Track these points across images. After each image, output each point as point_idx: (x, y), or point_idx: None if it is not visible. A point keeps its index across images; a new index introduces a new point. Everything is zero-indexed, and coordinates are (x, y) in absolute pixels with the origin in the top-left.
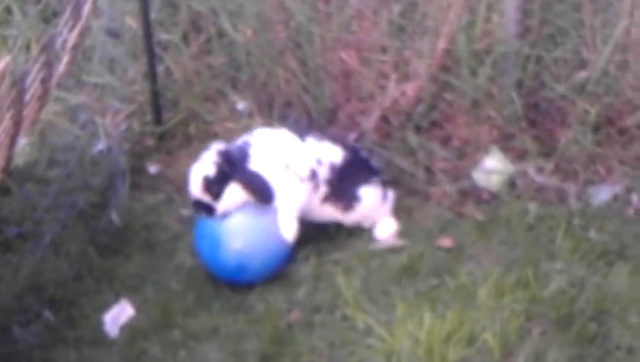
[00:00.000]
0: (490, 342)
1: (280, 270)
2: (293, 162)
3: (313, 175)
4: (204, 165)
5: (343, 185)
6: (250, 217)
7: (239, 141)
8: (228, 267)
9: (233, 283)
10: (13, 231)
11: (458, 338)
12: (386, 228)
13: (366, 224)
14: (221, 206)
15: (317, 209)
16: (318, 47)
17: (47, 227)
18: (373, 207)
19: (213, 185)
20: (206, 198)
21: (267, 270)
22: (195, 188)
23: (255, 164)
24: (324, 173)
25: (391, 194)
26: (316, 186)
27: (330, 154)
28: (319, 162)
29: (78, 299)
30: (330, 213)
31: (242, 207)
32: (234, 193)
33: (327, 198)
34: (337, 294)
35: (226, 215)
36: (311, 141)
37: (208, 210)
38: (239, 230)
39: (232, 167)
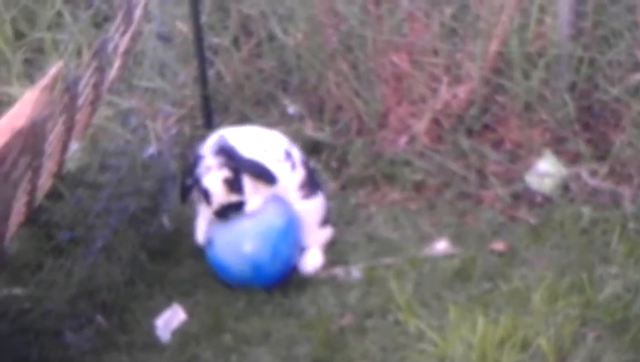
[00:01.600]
0: (545, 347)
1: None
2: (269, 146)
3: (288, 155)
4: (216, 172)
5: (311, 174)
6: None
7: (210, 141)
8: (241, 272)
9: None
10: (66, 236)
11: (512, 343)
12: (312, 260)
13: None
14: (249, 197)
15: (293, 194)
16: (369, 50)
17: (98, 232)
18: (318, 215)
19: (235, 183)
20: (234, 198)
21: (280, 272)
22: (222, 196)
23: (244, 153)
24: (297, 154)
25: (329, 229)
26: (293, 166)
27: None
28: (290, 145)
29: (130, 303)
30: (294, 200)
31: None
32: (250, 182)
33: (304, 184)
34: (389, 298)
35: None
36: (274, 132)
37: (239, 206)
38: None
39: (235, 160)
